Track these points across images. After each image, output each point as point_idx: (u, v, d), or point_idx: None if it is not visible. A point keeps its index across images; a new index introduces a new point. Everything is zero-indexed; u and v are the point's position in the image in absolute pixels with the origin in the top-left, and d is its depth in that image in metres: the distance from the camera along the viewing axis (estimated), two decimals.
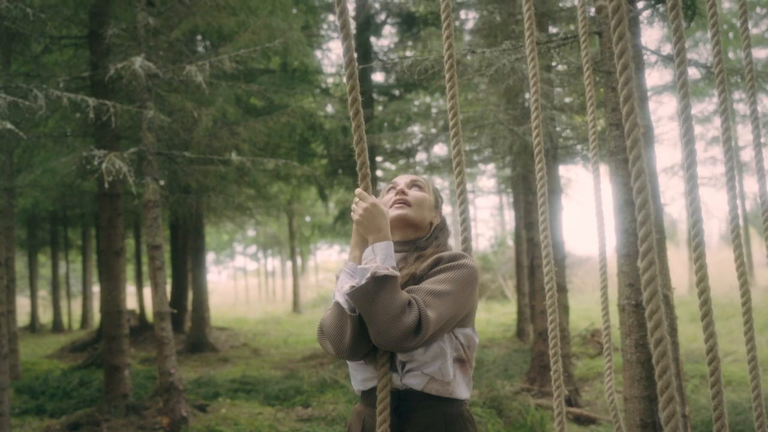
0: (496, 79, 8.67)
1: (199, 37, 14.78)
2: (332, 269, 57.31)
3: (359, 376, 2.67)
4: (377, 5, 16.22)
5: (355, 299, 2.42)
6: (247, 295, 49.48)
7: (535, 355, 10.52)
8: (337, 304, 2.50)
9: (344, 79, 2.41)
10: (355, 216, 2.56)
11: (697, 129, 26.50)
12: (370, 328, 2.43)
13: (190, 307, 18.75)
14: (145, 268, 26.49)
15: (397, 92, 16.87)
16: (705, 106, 24.93)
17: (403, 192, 2.81)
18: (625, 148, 5.88)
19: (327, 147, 16.43)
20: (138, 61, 7.26)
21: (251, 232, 43.49)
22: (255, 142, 11.41)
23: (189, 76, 7.86)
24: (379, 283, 2.39)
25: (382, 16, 16.37)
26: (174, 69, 8.00)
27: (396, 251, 2.74)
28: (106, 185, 7.12)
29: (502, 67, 8.23)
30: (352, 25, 16.03)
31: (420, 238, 2.81)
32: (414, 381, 2.55)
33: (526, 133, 9.73)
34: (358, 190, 2.58)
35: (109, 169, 7.05)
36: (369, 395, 2.66)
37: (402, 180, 2.91)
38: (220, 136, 10.50)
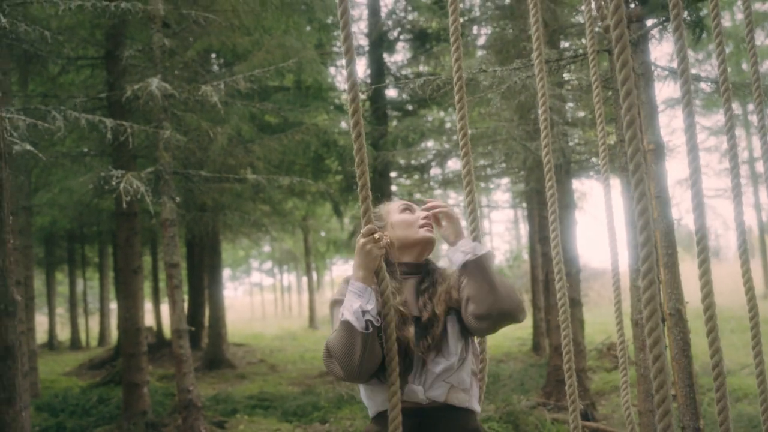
0: (507, 96, 8.75)
1: (213, 56, 14.92)
2: None
3: (379, 398, 2.68)
4: (390, 22, 16.32)
5: (484, 264, 2.70)
6: (263, 311, 49.55)
7: (551, 369, 10.54)
8: (347, 323, 2.51)
9: (347, 101, 2.47)
10: (375, 247, 2.59)
11: (712, 141, 26.45)
12: (490, 295, 2.62)
13: (206, 323, 18.84)
14: (162, 285, 26.67)
15: (410, 107, 16.94)
16: (719, 117, 24.89)
17: (428, 217, 2.92)
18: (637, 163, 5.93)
19: (341, 163, 16.51)
20: (154, 83, 7.38)
21: (267, 248, 43.63)
22: (270, 160, 11.52)
23: (204, 96, 7.97)
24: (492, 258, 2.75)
25: (395, 33, 16.48)
26: (189, 89, 8.12)
27: (408, 273, 2.86)
28: (124, 205, 7.20)
29: (513, 84, 8.31)
30: (365, 42, 16.16)
31: (426, 261, 2.96)
32: (438, 392, 2.63)
33: (539, 148, 9.79)
34: (372, 228, 2.60)
35: (127, 189, 7.16)
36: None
37: (412, 207, 3.01)
38: (235, 154, 10.62)
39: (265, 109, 11.84)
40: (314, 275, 33.69)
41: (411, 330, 2.64)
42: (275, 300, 53.11)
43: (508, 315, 2.63)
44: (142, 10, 7.90)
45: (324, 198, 18.28)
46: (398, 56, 17.46)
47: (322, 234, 28.43)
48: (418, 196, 17.72)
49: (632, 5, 5.96)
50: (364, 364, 2.49)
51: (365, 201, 2.58)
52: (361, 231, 2.60)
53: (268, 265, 53.14)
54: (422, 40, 16.24)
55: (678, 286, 5.72)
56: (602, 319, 22.33)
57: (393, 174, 16.49)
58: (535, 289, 16.70)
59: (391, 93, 17.57)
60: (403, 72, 16.88)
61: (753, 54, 3.41)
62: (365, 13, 16.46)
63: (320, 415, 10.73)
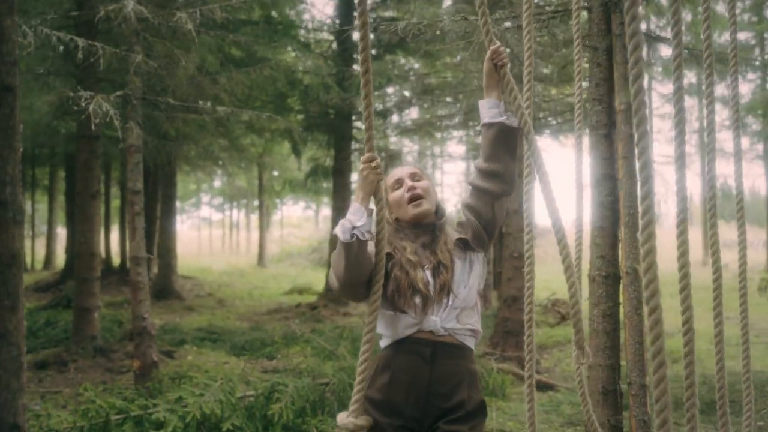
0: (481, 49, 8.78)
1: None
2: (297, 225, 57.37)
3: (400, 324, 3.00)
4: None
5: (515, 134, 3.06)
6: (211, 247, 49.36)
7: (499, 320, 10.75)
8: (335, 237, 2.90)
9: (358, 38, 2.53)
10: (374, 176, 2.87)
11: (668, 108, 26.75)
12: (507, 156, 3.08)
13: (156, 253, 18.76)
14: (112, 211, 26.36)
15: (375, 52, 16.86)
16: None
17: (413, 187, 3.16)
18: (606, 123, 6.05)
19: (303, 102, 16.43)
20: (130, 5, 7.27)
21: (218, 183, 43.33)
22: (235, 93, 11.41)
23: (179, 23, 7.88)
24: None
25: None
26: (164, 14, 8.01)
27: (417, 232, 3.17)
28: (93, 126, 7.12)
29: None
30: None
31: (434, 220, 3.22)
32: (452, 323, 3.02)
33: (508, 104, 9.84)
34: (371, 156, 2.87)
35: (97, 111, 7.09)
36: (408, 341, 3.00)
37: (405, 175, 3.23)
38: (202, 85, 10.51)
39: (237, 41, 11.72)
40: (265, 224, 33.62)
41: (419, 274, 2.97)
42: (223, 236, 52.93)
43: (512, 183, 3.11)
44: None
45: (282, 137, 18.20)
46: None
47: (275, 173, 28.31)
48: (375, 142, 17.70)
49: None
50: (350, 272, 2.83)
51: (368, 130, 2.80)
52: (362, 158, 2.87)
53: (219, 200, 52.86)
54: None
55: (636, 246, 5.88)
56: (547, 276, 22.69)
57: (354, 118, 16.49)
58: None
59: (356, 36, 17.42)
60: (372, 15, 16.75)
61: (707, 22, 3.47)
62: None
63: (269, 351, 10.84)
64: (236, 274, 27.01)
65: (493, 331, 10.76)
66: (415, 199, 3.14)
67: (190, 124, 11.60)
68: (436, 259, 3.04)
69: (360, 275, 2.84)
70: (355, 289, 2.90)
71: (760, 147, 25.44)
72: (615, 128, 6.02)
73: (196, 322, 13.94)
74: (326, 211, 49.48)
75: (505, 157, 3.06)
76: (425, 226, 3.18)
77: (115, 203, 28.42)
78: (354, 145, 17.57)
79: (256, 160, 21.28)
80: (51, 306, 14.76)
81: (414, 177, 3.23)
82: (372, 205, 2.91)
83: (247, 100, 14.45)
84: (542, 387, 9.08)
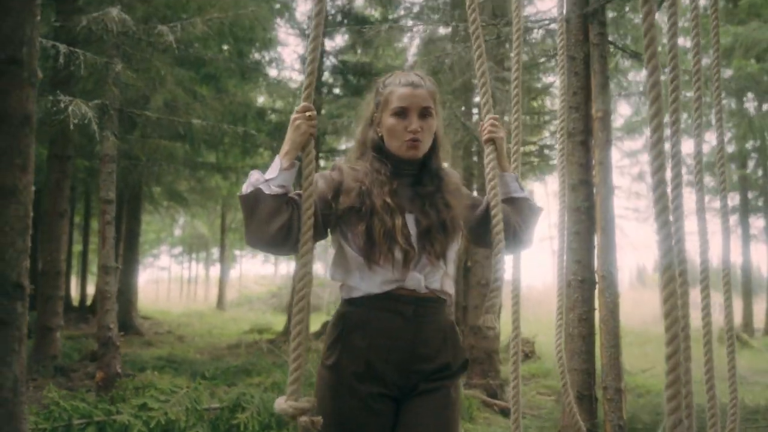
0: (453, 72, 8.99)
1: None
2: (254, 283, 56.94)
3: (378, 278, 2.63)
4: (334, 10, 16.43)
5: (534, 210, 3.00)
6: (169, 295, 48.82)
7: (464, 348, 10.75)
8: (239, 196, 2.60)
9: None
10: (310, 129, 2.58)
11: (625, 161, 27.19)
12: (527, 233, 2.98)
13: (117, 288, 18.49)
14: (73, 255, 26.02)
15: (341, 92, 17.03)
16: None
17: (417, 131, 2.73)
18: (583, 130, 6.21)
19: (272, 140, 16.51)
20: (114, 11, 7.33)
21: (179, 232, 43.06)
22: (208, 117, 11.45)
23: (160, 36, 7.96)
24: None
25: (339, 17, 16.56)
26: (146, 28, 8.09)
27: (400, 168, 2.79)
28: (71, 126, 7.10)
29: (459, 60, 8.52)
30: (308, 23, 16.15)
31: (426, 157, 2.86)
32: (436, 284, 2.69)
33: (477, 129, 10.01)
34: (307, 106, 2.56)
35: (75, 112, 7.10)
36: (386, 298, 2.64)
37: (414, 108, 2.76)
38: (176, 110, 10.55)
39: (209, 73, 11.81)
40: (217, 266, 33.39)
41: (398, 221, 2.62)
42: (181, 285, 52.46)
43: (521, 250, 3.04)
44: None
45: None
46: (338, 40, 17.49)
47: (239, 215, 28.19)
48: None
49: None
50: (254, 229, 2.53)
51: (309, 87, 2.52)
52: (296, 107, 2.59)
53: (178, 250, 52.36)
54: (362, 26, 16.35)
55: (612, 251, 5.99)
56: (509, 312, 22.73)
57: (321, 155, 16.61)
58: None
59: (326, 77, 17.60)
60: (340, 58, 16.98)
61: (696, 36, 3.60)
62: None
63: (230, 379, 10.71)
64: (195, 315, 26.72)
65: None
66: (414, 141, 2.73)
67: (160, 150, 11.62)
68: (425, 205, 2.73)
69: (266, 234, 2.52)
70: (268, 249, 2.60)
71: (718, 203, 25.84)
72: (591, 135, 6.17)
73: (156, 353, 13.75)
74: (284, 268, 49.32)
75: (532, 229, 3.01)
76: (413, 165, 2.82)
77: (76, 248, 28.02)
78: (323, 163, 17.65)
79: (222, 198, 21.24)
80: None
81: (424, 112, 2.76)
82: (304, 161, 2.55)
83: (217, 134, 14.48)
84: (508, 413, 9.07)
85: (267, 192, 2.50)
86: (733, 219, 22.87)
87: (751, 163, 22.22)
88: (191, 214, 24.91)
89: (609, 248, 5.94)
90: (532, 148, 15.76)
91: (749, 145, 21.56)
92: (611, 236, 5.97)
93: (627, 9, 9.42)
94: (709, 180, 19.79)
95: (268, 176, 2.53)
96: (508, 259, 2.99)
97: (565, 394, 3.83)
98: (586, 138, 6.22)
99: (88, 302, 22.17)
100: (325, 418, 2.55)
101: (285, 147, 2.57)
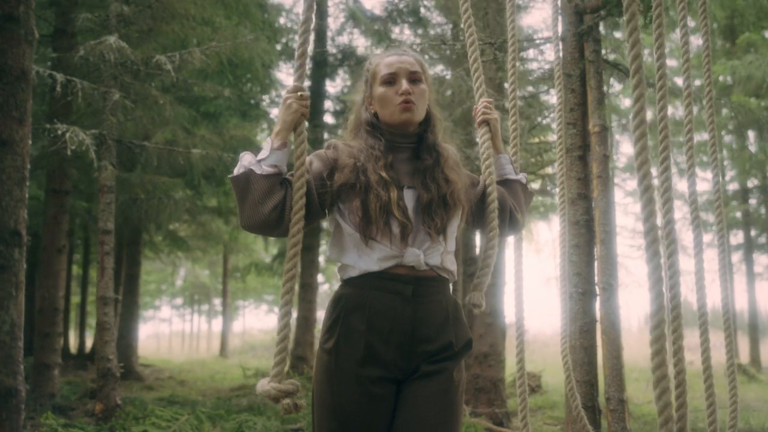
0: (453, 102, 9.03)
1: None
2: (258, 331, 56.63)
3: (375, 255, 2.57)
4: (335, 49, 16.59)
5: (527, 192, 3.09)
6: (170, 346, 48.57)
7: (470, 377, 10.62)
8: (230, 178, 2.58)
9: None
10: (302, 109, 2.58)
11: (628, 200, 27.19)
12: (521, 216, 3.02)
13: (117, 333, 18.38)
14: (71, 307, 25.91)
15: (340, 132, 17.10)
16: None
17: (408, 92, 2.69)
18: (580, 145, 6.21)
19: None
20: (112, 39, 7.38)
21: (179, 282, 42.95)
22: (208, 155, 11.47)
23: (158, 65, 8.00)
24: None
25: (339, 57, 16.71)
26: (144, 58, 8.14)
27: (396, 141, 2.76)
28: (69, 152, 7.11)
29: (458, 89, 8.57)
30: (309, 63, 16.30)
31: (422, 129, 2.81)
32: (435, 259, 2.61)
33: (478, 158, 10.04)
34: (298, 86, 2.60)
35: (73, 138, 7.10)
36: (384, 278, 2.58)
37: (403, 73, 2.74)
38: (176, 143, 10.58)
39: (207, 112, 11.86)
40: (228, 312, 33.22)
41: (394, 194, 2.56)
42: (182, 335, 52.21)
43: (515, 232, 3.07)
44: None
45: None
46: (338, 81, 17.63)
47: (241, 256, 28.09)
48: None
49: None
50: (247, 211, 2.50)
51: (300, 68, 2.60)
52: (287, 88, 2.59)
53: (179, 300, 52.17)
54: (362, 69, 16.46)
55: (612, 262, 5.95)
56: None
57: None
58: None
59: (327, 118, 17.72)
60: (341, 99, 17.10)
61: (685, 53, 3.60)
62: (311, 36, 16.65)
63: (235, 427, 10.57)
64: (197, 363, 26.47)
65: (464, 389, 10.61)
66: (407, 103, 2.68)
67: (160, 187, 11.63)
68: (425, 178, 2.67)
69: (260, 215, 2.49)
70: (263, 231, 2.56)
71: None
72: (589, 150, 6.17)
73: (157, 395, 13.59)
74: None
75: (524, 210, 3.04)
76: (409, 137, 2.78)
77: (74, 299, 27.92)
78: (323, 225, 17.62)
79: (224, 241, 21.20)
80: None
81: (412, 77, 2.74)
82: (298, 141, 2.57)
83: (216, 176, 14.50)
84: None
85: (258, 172, 2.48)
86: (737, 256, 22.77)
87: (753, 201, 22.16)
88: (192, 259, 24.82)
89: (609, 260, 5.90)
90: (535, 186, 15.79)
91: (751, 183, 21.57)
92: (611, 248, 5.94)
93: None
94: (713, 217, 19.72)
95: (260, 157, 2.51)
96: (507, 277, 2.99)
97: (568, 385, 3.80)
98: (584, 153, 6.24)
99: (87, 349, 22.00)
100: (324, 403, 2.55)
101: (276, 127, 2.55)
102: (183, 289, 45.42)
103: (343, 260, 2.65)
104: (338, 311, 2.61)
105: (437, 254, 2.61)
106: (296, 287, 2.27)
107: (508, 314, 10.47)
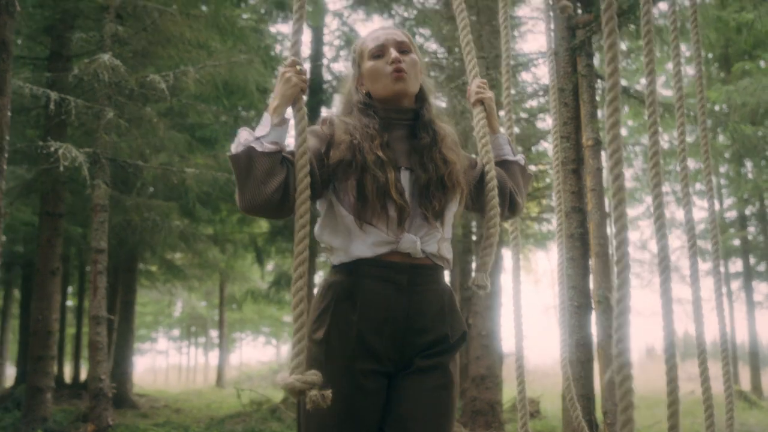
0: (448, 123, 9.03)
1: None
2: (255, 365, 56.31)
3: (370, 239, 2.45)
4: (329, 76, 16.64)
5: (526, 173, 2.96)
6: (167, 377, 48.24)
7: (467, 400, 10.56)
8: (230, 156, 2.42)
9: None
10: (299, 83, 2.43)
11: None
12: (520, 198, 2.90)
13: (112, 361, 18.26)
14: (67, 339, 25.72)
15: None
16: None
17: (398, 60, 2.57)
18: (574, 158, 6.20)
19: None
20: (105, 56, 7.38)
21: (177, 312, 42.74)
22: (203, 180, 11.46)
23: (152, 84, 8.01)
24: None
25: (334, 84, 16.76)
26: (137, 77, 8.14)
27: (392, 118, 2.63)
28: (61, 168, 7.08)
29: (453, 110, 8.58)
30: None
31: (417, 106, 2.68)
32: (432, 247, 2.50)
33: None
34: (295, 60, 2.45)
35: (66, 155, 7.08)
36: (378, 265, 2.45)
37: (390, 43, 2.63)
38: (168, 167, 10.58)
39: (204, 137, 11.88)
40: (225, 343, 33.04)
41: (391, 175, 2.43)
42: (179, 371, 51.90)
43: (515, 215, 2.93)
44: None
45: (246, 250, 18.24)
46: (334, 108, 17.67)
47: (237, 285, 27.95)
48: None
49: (580, 12, 6.32)
50: (248, 191, 2.34)
51: (295, 45, 2.46)
52: (284, 62, 2.45)
53: (176, 332, 51.90)
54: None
55: (607, 275, 5.91)
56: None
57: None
58: None
59: None
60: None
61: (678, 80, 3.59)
62: (306, 65, 16.75)
63: None
64: (194, 393, 26.29)
65: (462, 411, 10.53)
66: (399, 72, 2.56)
67: (155, 210, 11.59)
68: (423, 158, 2.54)
69: (262, 196, 2.32)
70: (265, 212, 2.39)
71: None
72: (583, 163, 6.16)
73: (152, 422, 13.47)
74: (286, 349, 48.78)
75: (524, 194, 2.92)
76: (404, 113, 2.64)
77: (70, 330, 27.71)
78: (321, 257, 17.57)
79: (220, 269, 21.10)
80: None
81: (401, 47, 2.63)
82: (290, 116, 2.42)
83: (212, 201, 14.49)
84: None
85: (260, 150, 2.33)
86: (737, 284, 22.67)
87: (752, 228, 22.10)
88: (188, 288, 24.69)
89: (604, 273, 5.86)
90: (533, 214, 15.80)
91: (749, 210, 21.55)
92: (606, 261, 5.90)
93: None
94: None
95: (259, 133, 2.36)
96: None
97: (568, 395, 3.75)
98: (578, 166, 6.24)
99: (82, 378, 21.82)
100: None
101: (274, 101, 2.41)
102: (180, 320, 45.19)
103: (333, 243, 2.53)
104: (328, 300, 2.49)
105: (434, 241, 2.50)
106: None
107: (505, 337, 10.43)
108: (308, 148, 2.36)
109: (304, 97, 2.46)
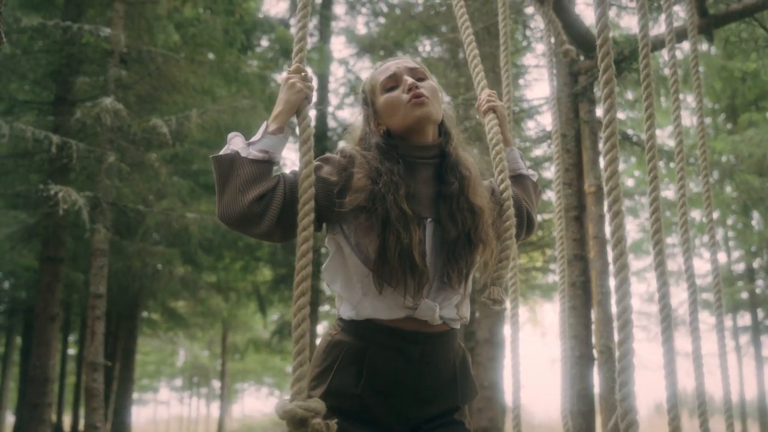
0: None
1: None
2: (258, 416, 55.64)
3: (386, 302, 2.18)
4: (335, 123, 16.71)
5: (537, 189, 2.78)
6: (168, 430, 47.77)
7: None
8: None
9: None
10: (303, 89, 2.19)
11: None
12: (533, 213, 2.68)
13: (112, 411, 18.07)
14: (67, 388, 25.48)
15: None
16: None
17: (416, 86, 2.28)
18: (576, 205, 6.13)
19: (273, 255, 16.45)
20: (108, 100, 7.39)
21: (180, 362, 42.43)
22: (206, 227, 11.41)
23: (155, 129, 8.01)
24: None
25: (339, 132, 16.78)
26: (140, 120, 8.15)
27: (417, 156, 2.32)
28: (61, 212, 7.04)
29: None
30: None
31: (442, 141, 2.36)
32: (451, 312, 2.25)
33: None
34: (300, 67, 2.22)
35: (66, 198, 7.05)
36: (391, 333, 2.20)
37: (402, 71, 2.36)
38: (170, 211, 10.55)
39: (208, 185, 11.88)
40: (226, 393, 32.73)
41: (416, 236, 2.14)
42: (181, 422, 51.42)
43: (530, 234, 2.70)
44: (102, 40, 8.00)
45: (249, 298, 18.16)
46: (344, 113, 17.58)
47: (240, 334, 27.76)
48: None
49: (581, 58, 6.30)
50: (227, 197, 2.07)
51: (301, 41, 2.23)
52: (289, 69, 2.22)
53: (179, 382, 51.50)
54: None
55: (609, 324, 5.80)
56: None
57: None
58: None
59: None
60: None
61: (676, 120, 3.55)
62: (312, 112, 16.77)
63: None
64: None
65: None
66: (420, 97, 2.26)
67: (156, 255, 11.53)
68: (451, 209, 2.23)
69: (239, 205, 2.06)
70: (242, 225, 2.11)
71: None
72: (585, 210, 6.09)
73: None
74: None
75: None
76: (428, 149, 2.33)
77: (70, 379, 27.46)
78: (324, 307, 17.48)
79: (222, 318, 20.98)
80: None
81: (415, 74, 2.35)
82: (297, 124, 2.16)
83: (214, 248, 14.44)
84: None
85: (244, 155, 2.10)
86: (745, 338, 22.40)
87: (760, 281, 21.86)
88: (191, 336, 24.54)
89: (606, 323, 5.76)
90: (538, 264, 15.75)
91: (757, 263, 21.35)
92: (608, 311, 5.79)
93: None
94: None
95: (251, 140, 2.14)
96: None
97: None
98: (580, 213, 6.16)
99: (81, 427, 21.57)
100: None
101: (276, 109, 2.18)
102: (182, 370, 44.83)
103: (344, 294, 2.26)
104: (332, 359, 2.23)
105: (453, 305, 2.24)
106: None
107: (509, 389, 10.24)
108: (316, 171, 2.13)
109: (310, 106, 2.20)
